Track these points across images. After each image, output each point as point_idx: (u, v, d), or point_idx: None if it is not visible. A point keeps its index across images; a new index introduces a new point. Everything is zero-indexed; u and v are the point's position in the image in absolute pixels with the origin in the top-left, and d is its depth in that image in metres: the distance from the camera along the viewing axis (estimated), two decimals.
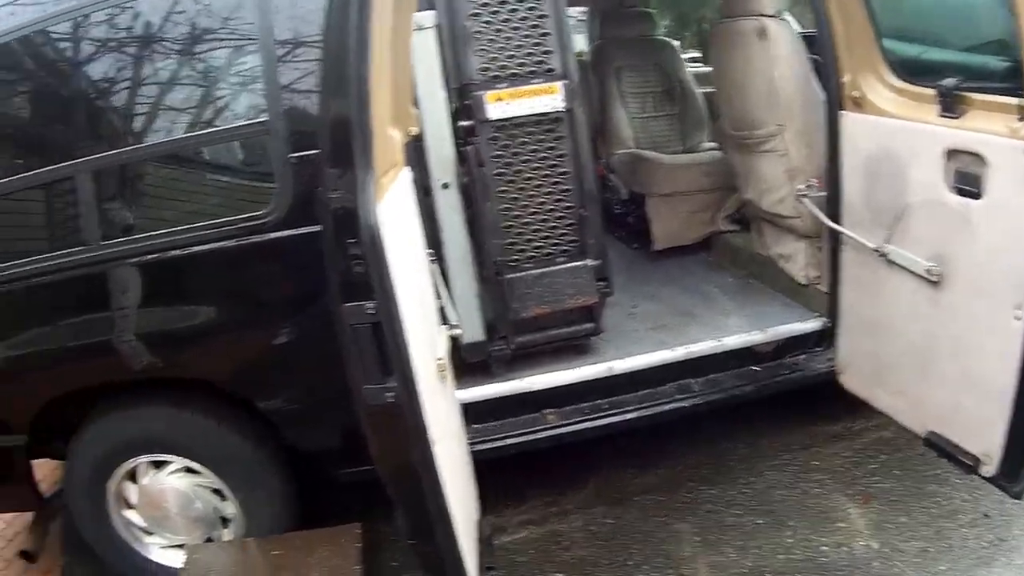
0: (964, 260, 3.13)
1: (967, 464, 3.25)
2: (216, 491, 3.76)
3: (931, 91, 3.25)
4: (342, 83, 2.30)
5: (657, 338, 4.31)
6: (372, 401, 2.41)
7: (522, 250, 3.93)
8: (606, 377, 4.02)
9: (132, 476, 3.76)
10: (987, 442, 3.16)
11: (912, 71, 3.50)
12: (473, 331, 3.89)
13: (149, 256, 3.36)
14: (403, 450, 2.50)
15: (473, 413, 3.70)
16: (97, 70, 3.45)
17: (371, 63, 2.31)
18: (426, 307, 2.91)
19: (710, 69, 5.54)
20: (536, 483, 4.36)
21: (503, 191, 3.85)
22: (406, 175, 3.03)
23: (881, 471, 4.19)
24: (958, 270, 3.17)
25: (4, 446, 3.66)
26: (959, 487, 3.98)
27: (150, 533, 3.88)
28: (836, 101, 3.72)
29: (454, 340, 3.28)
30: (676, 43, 6.99)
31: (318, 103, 2.91)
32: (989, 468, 3.18)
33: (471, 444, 3.56)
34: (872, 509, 3.93)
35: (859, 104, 3.61)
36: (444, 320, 3.26)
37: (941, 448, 3.38)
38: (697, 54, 8.75)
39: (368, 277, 2.31)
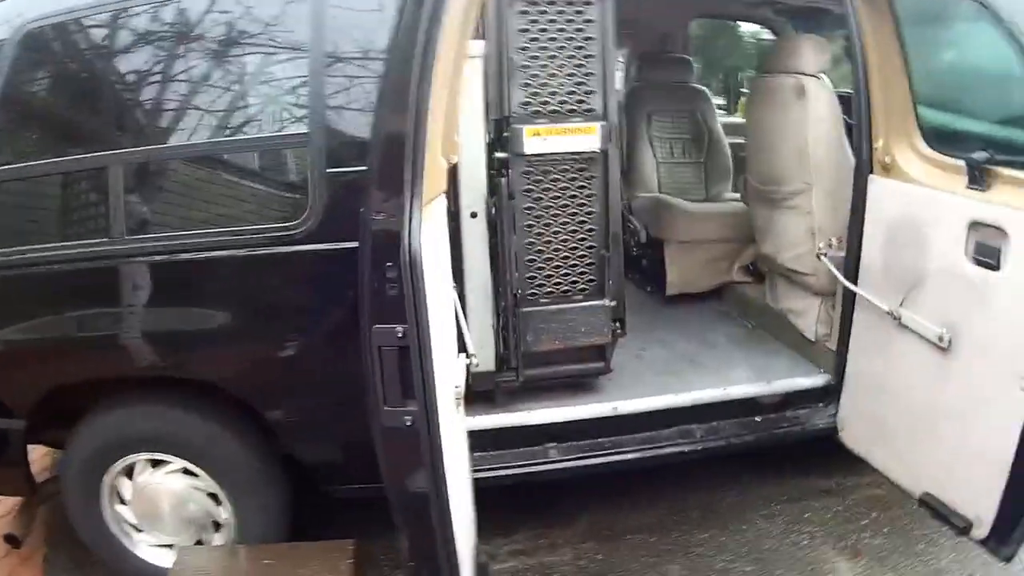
0: (976, 329, 3.18)
1: (959, 526, 3.29)
2: (212, 495, 3.74)
3: (960, 162, 3.31)
4: (401, 106, 2.32)
5: (663, 382, 4.34)
6: (390, 423, 2.45)
7: (541, 285, 3.98)
8: (610, 416, 4.05)
9: (129, 472, 3.74)
10: (980, 506, 3.21)
11: (943, 140, 3.55)
12: (485, 360, 3.87)
13: (171, 255, 3.34)
14: (416, 473, 2.53)
15: (475, 441, 3.67)
16: (138, 64, 3.42)
17: (432, 88, 2.36)
18: (447, 335, 2.93)
19: (738, 120, 5.60)
20: (528, 514, 4.36)
21: (529, 225, 3.90)
22: (441, 202, 3.05)
23: (871, 527, 4.20)
24: (968, 338, 3.21)
25: (2, 428, 3.64)
26: (947, 548, 4.00)
27: (140, 530, 3.86)
28: (866, 165, 3.77)
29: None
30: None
31: (368, 122, 3.00)
32: (980, 531, 3.23)
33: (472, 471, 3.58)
34: (861, 565, 3.95)
35: (888, 169, 3.66)
36: (462, 348, 3.26)
37: (935, 509, 3.41)
38: (721, 101, 8.80)
39: (402, 302, 2.33)
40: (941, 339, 3.28)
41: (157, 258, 3.35)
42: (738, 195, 5.87)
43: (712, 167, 6.55)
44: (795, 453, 4.51)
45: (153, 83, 3.43)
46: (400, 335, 2.36)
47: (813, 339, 4.54)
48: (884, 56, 3.61)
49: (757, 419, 4.20)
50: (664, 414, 4.10)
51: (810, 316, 4.57)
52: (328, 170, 3.25)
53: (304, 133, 3.28)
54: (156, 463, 3.70)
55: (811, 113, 4.24)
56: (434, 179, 2.39)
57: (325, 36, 3.26)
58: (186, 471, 3.70)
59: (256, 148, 3.42)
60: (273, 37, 3.35)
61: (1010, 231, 3.02)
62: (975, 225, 3.18)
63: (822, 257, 4.19)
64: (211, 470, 3.66)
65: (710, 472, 4.61)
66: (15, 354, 3.53)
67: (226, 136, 3.40)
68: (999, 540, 3.20)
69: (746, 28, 9.05)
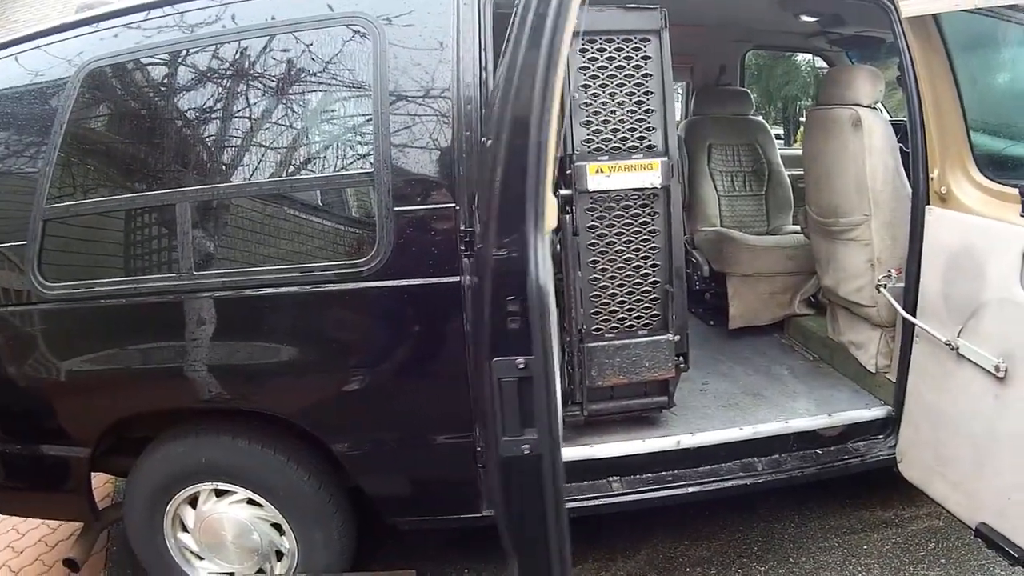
0: None
1: (1013, 556, 3.27)
2: (275, 525, 3.80)
3: (1014, 190, 3.31)
4: (522, 144, 2.32)
5: (726, 416, 4.36)
6: (508, 452, 2.43)
7: (606, 320, 4.01)
8: (673, 450, 4.05)
9: (193, 501, 3.81)
10: None
11: (998, 166, 3.57)
12: None
13: (236, 291, 3.42)
14: (535, 500, 2.50)
15: None
16: (203, 103, 3.50)
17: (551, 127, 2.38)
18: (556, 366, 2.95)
19: (796, 151, 5.60)
20: (589, 545, 4.39)
21: (594, 261, 3.94)
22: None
23: (928, 559, 4.18)
24: None
25: (68, 456, 3.70)
26: None
27: (201, 558, 3.92)
28: (923, 195, 3.76)
29: None
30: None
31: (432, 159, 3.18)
32: None
33: None
34: None
35: (944, 200, 3.66)
36: None
37: (990, 539, 3.38)
38: (780, 131, 8.78)
39: (527, 334, 2.32)
40: (998, 368, 3.27)
41: (222, 294, 3.42)
42: (799, 227, 5.85)
43: (773, 199, 6.55)
44: (856, 484, 4.51)
45: (220, 122, 3.52)
46: (521, 366, 2.36)
47: (874, 371, 4.52)
48: (936, 86, 3.62)
49: (818, 451, 4.18)
50: (727, 447, 4.10)
51: (871, 348, 4.55)
52: (394, 208, 3.32)
53: (368, 172, 3.36)
54: (220, 492, 3.77)
55: (867, 144, 4.24)
56: (550, 215, 2.43)
57: (388, 76, 3.34)
58: (250, 501, 3.75)
59: (323, 187, 3.50)
60: (339, 77, 3.44)
61: None
62: None
63: (881, 289, 4.18)
64: (276, 501, 3.71)
65: (771, 503, 4.63)
66: (82, 384, 3.59)
67: (293, 175, 3.47)
68: None
69: (804, 58, 9.06)
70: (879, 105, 4.46)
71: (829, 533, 4.44)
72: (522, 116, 2.31)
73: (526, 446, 2.39)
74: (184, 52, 3.49)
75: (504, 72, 2.60)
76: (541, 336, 2.31)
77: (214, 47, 3.48)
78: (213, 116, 3.52)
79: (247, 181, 3.47)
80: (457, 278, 3.33)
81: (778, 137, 8.39)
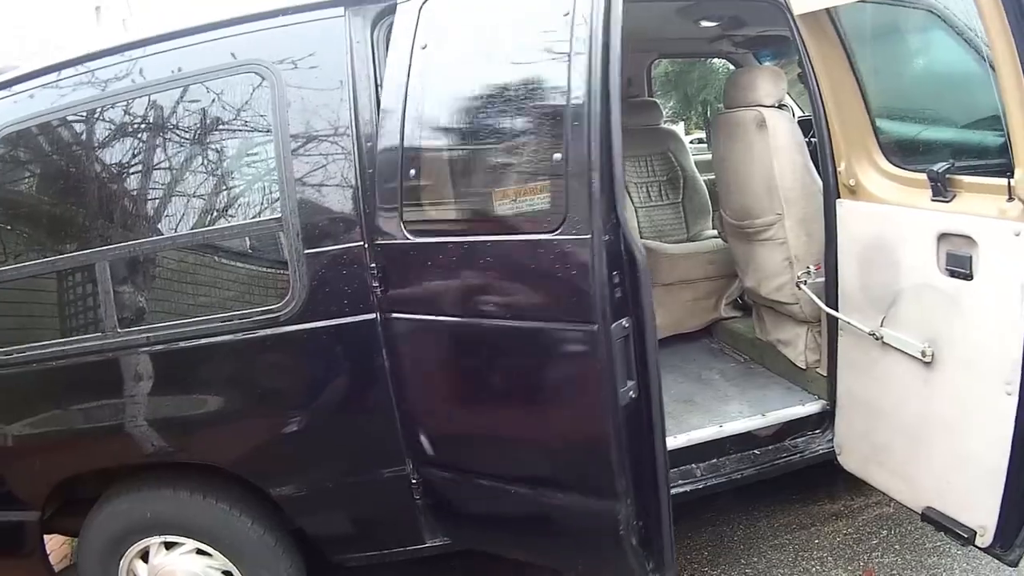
0: (956, 340, 3.19)
1: (963, 536, 3.28)
2: (226, 573, 3.75)
3: (922, 176, 3.34)
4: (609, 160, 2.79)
5: None
6: (622, 402, 2.94)
7: None
8: None
9: (144, 555, 3.76)
10: (981, 514, 3.20)
11: (905, 151, 3.60)
12: None
13: (168, 345, 3.40)
14: (646, 440, 3.12)
15: None
16: (116, 159, 3.51)
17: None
18: None
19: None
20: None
21: None
22: None
23: (882, 546, 4.21)
24: (950, 350, 3.23)
25: (18, 520, 3.70)
26: (958, 558, 4.03)
27: None
28: (832, 189, 3.79)
29: None
30: (679, 129, 7.06)
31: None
32: (985, 539, 3.22)
33: None
34: None
35: (854, 191, 3.69)
36: None
37: (938, 523, 3.41)
38: (701, 134, 8.83)
39: (627, 300, 2.94)
40: (924, 354, 3.30)
41: (147, 349, 3.41)
42: (717, 232, 5.89)
43: (690, 206, 6.59)
44: (802, 479, 4.52)
45: (132, 177, 3.55)
46: (626, 326, 2.94)
47: (804, 367, 4.55)
48: (835, 79, 3.64)
49: (756, 452, 4.20)
50: None
51: (799, 345, 4.58)
52: (306, 251, 3.30)
53: (277, 218, 3.34)
54: (170, 545, 3.73)
55: (773, 144, 4.28)
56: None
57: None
58: (200, 551, 3.72)
59: (236, 236, 3.48)
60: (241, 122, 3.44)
61: (978, 239, 3.04)
62: (944, 237, 3.20)
63: (802, 286, 4.20)
64: (223, 549, 3.69)
65: (717, 507, 4.64)
66: (22, 448, 3.59)
67: (205, 227, 3.46)
68: (1004, 546, 3.20)
69: (720, 61, 9.14)
70: (789, 102, 4.49)
71: (779, 531, 4.46)
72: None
73: (632, 392, 2.99)
74: (97, 109, 3.50)
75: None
76: (639, 299, 2.97)
77: (124, 102, 3.47)
78: (126, 171, 3.53)
79: (161, 235, 3.46)
80: (373, 315, 3.31)
81: (700, 141, 8.44)
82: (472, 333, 3.24)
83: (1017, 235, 2.88)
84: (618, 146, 2.79)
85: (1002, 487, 3.08)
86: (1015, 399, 2.96)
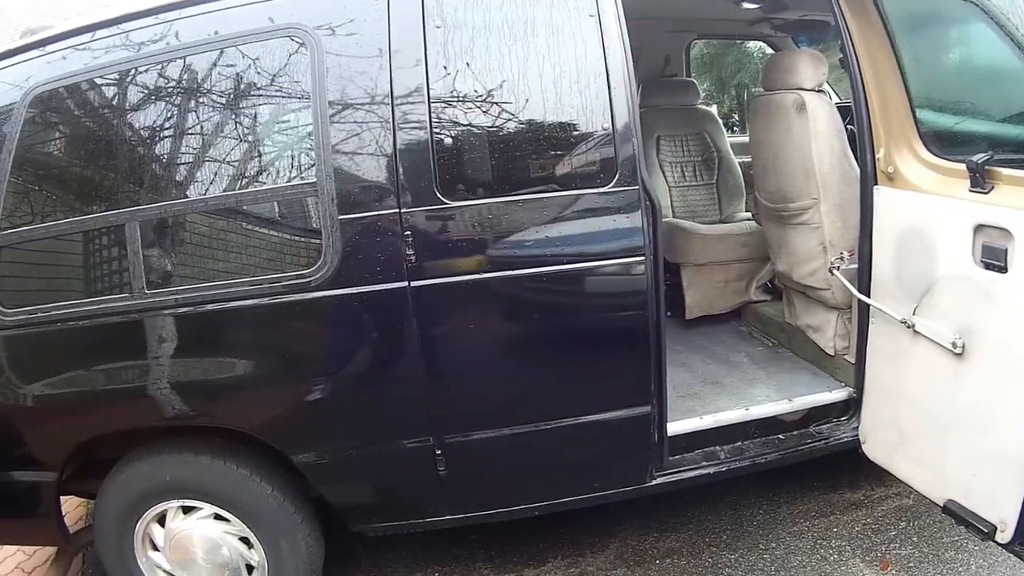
0: (988, 333, 3.17)
1: (983, 531, 3.26)
2: (243, 539, 3.76)
3: (961, 166, 3.31)
4: None
5: (686, 406, 4.34)
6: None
7: None
8: None
9: (161, 519, 3.77)
10: (1003, 510, 3.18)
11: (944, 141, 3.56)
12: None
13: (196, 307, 3.38)
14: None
15: None
16: (149, 121, 3.49)
17: None
18: None
19: (747, 139, 5.62)
20: (557, 544, 4.38)
21: None
22: None
23: (900, 538, 4.19)
24: (982, 342, 3.20)
25: (35, 481, 3.68)
26: (975, 554, 4.00)
27: None
28: (870, 175, 3.77)
29: None
30: (714, 111, 7.02)
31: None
32: (1005, 535, 3.19)
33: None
34: (889, 575, 3.94)
35: (892, 179, 3.66)
36: None
37: (959, 516, 3.38)
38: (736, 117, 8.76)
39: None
40: (955, 345, 3.27)
41: (176, 311, 3.39)
42: (751, 214, 5.85)
43: (724, 188, 6.55)
44: (824, 466, 4.51)
45: (163, 139, 3.50)
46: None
47: (832, 353, 4.53)
48: (877, 65, 3.63)
49: (781, 436, 4.18)
50: (687, 438, 4.08)
51: (828, 331, 4.56)
52: (340, 216, 3.30)
53: (311, 183, 3.32)
54: (187, 509, 3.73)
55: (812, 128, 4.25)
56: None
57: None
58: (217, 516, 3.73)
59: (269, 199, 3.46)
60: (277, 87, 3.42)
61: (1015, 232, 3.01)
62: (980, 228, 3.17)
63: (834, 271, 4.18)
64: (241, 515, 3.69)
65: (738, 490, 4.64)
66: (42, 409, 3.56)
67: (240, 189, 3.44)
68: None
69: (756, 45, 9.05)
70: (826, 88, 4.45)
71: (798, 517, 4.45)
72: None
73: None
74: (131, 71, 3.47)
75: None
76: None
77: (160, 65, 3.44)
78: (160, 133, 3.48)
79: (194, 197, 3.43)
80: (404, 283, 3.31)
81: (736, 124, 8.38)
82: (520, 285, 3.41)
83: None
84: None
85: None
86: None
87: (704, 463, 4.03)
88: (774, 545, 4.23)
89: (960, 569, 3.94)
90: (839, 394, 4.29)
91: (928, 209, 3.46)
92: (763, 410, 4.25)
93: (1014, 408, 3.07)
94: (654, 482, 3.88)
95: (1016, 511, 3.12)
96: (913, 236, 3.52)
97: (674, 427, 4.02)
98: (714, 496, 4.60)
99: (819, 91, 4.41)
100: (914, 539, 4.17)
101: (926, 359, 3.48)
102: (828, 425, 4.20)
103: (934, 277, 3.40)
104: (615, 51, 3.39)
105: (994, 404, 3.18)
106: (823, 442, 4.12)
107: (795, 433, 4.19)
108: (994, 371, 3.17)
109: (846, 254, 4.14)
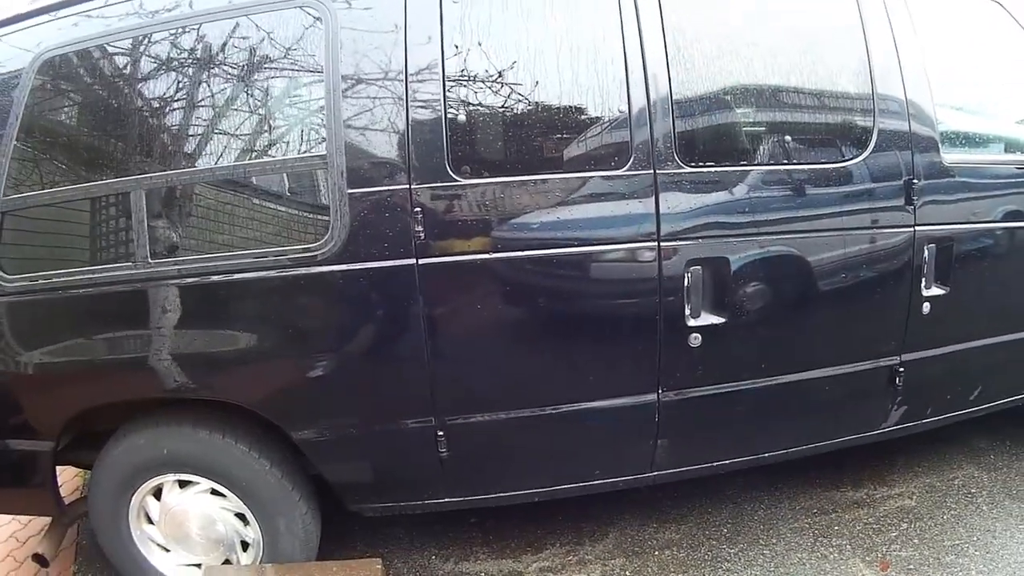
0: None
1: None
2: (239, 515, 3.75)
3: None
4: None
5: None
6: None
7: None
8: None
9: (157, 492, 3.76)
10: None
11: None
12: None
13: (199, 279, 3.36)
14: None
15: None
16: (159, 90, 3.46)
17: None
18: None
19: None
20: (556, 531, 4.37)
21: None
22: None
23: (901, 539, 4.16)
24: None
25: (30, 450, 3.65)
26: (976, 558, 3.97)
27: (167, 550, 3.87)
28: None
29: None
30: None
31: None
32: None
33: None
34: None
35: None
36: None
37: None
38: None
39: None
40: None
41: (179, 282, 3.37)
42: None
43: None
44: (827, 463, 4.51)
45: (172, 108, 3.48)
46: None
47: None
48: None
49: None
50: None
51: None
52: (349, 191, 3.28)
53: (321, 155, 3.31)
54: (184, 483, 3.72)
55: None
56: None
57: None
58: (214, 491, 3.71)
59: (276, 171, 3.44)
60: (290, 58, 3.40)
61: None
62: None
63: None
64: (238, 490, 3.67)
65: (739, 484, 4.62)
66: (40, 377, 3.53)
67: (248, 160, 3.41)
68: None
69: None
70: None
71: (800, 514, 4.43)
72: None
73: None
74: (142, 38, 3.44)
75: None
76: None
77: (172, 33, 3.42)
78: (169, 102, 3.46)
79: (201, 167, 3.40)
80: (411, 260, 3.29)
81: None
82: (531, 265, 3.41)
83: None
84: None
85: None
86: None
87: None
88: (774, 541, 4.21)
89: (960, 574, 3.91)
90: None
91: None
92: None
93: None
94: (657, 472, 3.86)
95: None
96: None
97: None
98: (715, 489, 4.58)
99: None
100: (915, 541, 4.15)
101: None
102: None
103: None
104: (632, 31, 3.38)
105: None
106: None
107: None
108: None
109: None
